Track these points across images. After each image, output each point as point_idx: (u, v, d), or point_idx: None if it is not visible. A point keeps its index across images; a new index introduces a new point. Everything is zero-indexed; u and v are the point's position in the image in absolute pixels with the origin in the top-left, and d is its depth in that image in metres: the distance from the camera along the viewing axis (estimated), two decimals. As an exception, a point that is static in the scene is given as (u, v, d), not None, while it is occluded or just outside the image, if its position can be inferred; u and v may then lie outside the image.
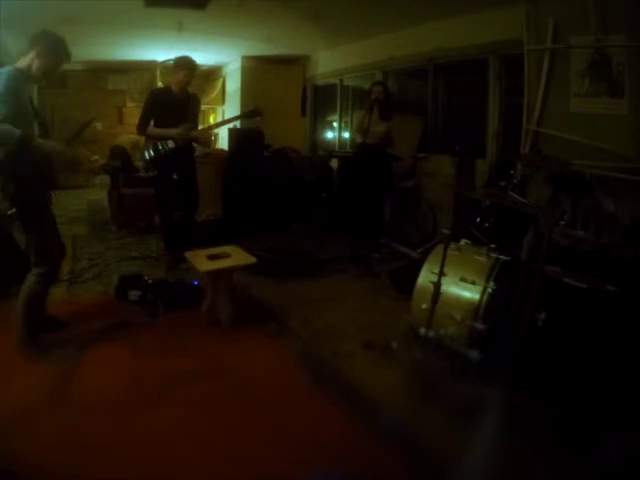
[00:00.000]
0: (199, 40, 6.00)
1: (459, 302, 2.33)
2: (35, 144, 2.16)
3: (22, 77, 2.20)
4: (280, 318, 2.97)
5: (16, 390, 2.08)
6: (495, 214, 2.57)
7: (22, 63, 2.24)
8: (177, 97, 3.88)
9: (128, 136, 6.85)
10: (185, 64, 3.85)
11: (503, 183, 3.21)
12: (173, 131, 3.82)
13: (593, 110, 3.40)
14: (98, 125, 8.07)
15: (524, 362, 1.93)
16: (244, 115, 4.01)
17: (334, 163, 5.73)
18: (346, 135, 7.10)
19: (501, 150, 4.50)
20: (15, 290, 2.42)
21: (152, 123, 3.89)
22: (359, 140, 4.21)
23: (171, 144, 3.87)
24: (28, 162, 2.13)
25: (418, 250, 4.35)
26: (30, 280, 2.35)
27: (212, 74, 8.83)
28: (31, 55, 2.23)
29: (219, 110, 8.72)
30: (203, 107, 7.63)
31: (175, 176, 3.98)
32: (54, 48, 2.28)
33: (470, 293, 2.32)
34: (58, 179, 2.44)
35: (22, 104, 2.16)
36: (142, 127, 3.94)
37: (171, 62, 6.93)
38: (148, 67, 8.00)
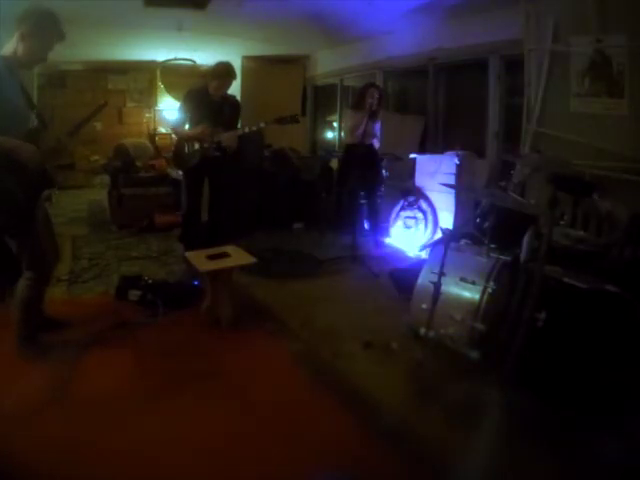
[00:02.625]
0: (199, 40, 6.01)
1: (459, 302, 2.33)
2: None
3: (4, 65, 2.01)
4: (280, 318, 2.97)
5: (15, 390, 2.08)
6: (495, 214, 2.57)
7: (7, 49, 2.04)
8: (212, 99, 3.80)
9: (133, 139, 6.86)
10: (219, 74, 3.76)
11: (503, 183, 3.21)
12: (195, 129, 3.74)
13: (593, 110, 3.41)
14: (98, 125, 8.07)
15: (524, 362, 1.93)
16: (278, 120, 3.77)
17: (334, 163, 5.73)
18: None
19: (501, 150, 4.51)
20: (14, 290, 2.39)
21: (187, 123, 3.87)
22: (353, 141, 4.24)
23: (196, 146, 3.80)
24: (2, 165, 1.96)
25: (418, 250, 4.36)
26: (22, 285, 2.30)
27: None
28: (15, 38, 2.01)
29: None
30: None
31: (205, 180, 3.98)
32: (41, 27, 2.03)
33: (470, 293, 2.32)
34: (53, 177, 2.25)
35: (5, 94, 1.98)
36: (176, 127, 3.99)
37: (172, 62, 6.94)
38: (148, 67, 8.01)
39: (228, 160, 4.08)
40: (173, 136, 4.27)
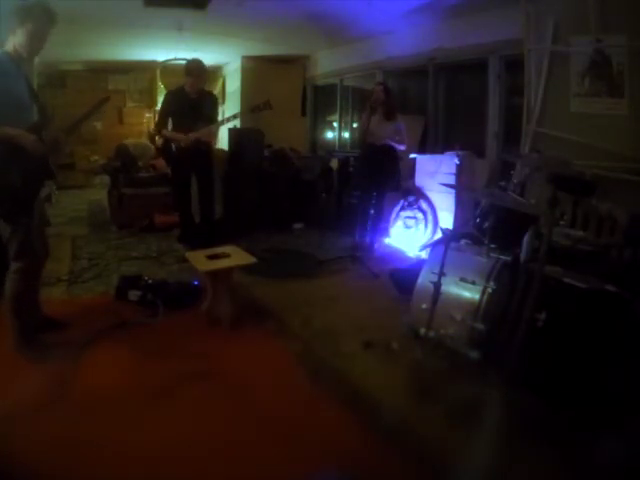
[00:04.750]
0: (199, 40, 6.01)
1: (459, 302, 2.33)
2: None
3: (10, 59, 2.13)
4: (280, 318, 2.97)
5: (15, 390, 2.08)
6: (495, 214, 2.57)
7: (9, 45, 2.16)
8: (190, 97, 4.02)
9: (134, 139, 6.86)
10: (190, 71, 3.99)
11: (503, 183, 3.21)
12: (179, 137, 4.01)
13: (593, 110, 3.41)
14: (98, 125, 8.07)
15: (524, 362, 1.93)
16: (253, 109, 3.96)
17: (334, 163, 5.74)
18: (346, 135, 7.11)
19: (501, 150, 4.51)
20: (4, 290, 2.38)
21: (170, 122, 4.13)
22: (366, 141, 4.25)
23: (182, 143, 4.02)
24: (4, 151, 2.05)
25: (418, 250, 4.36)
26: (11, 278, 2.30)
27: (212, 74, 8.83)
28: (14, 33, 2.13)
29: (219, 110, 8.74)
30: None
31: (192, 176, 4.21)
32: (35, 16, 2.14)
33: (470, 293, 2.32)
34: (51, 168, 2.28)
35: (10, 87, 2.08)
36: (159, 126, 4.20)
37: (172, 62, 6.99)
38: (148, 67, 8.01)
39: (213, 156, 4.33)
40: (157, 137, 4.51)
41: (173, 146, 4.06)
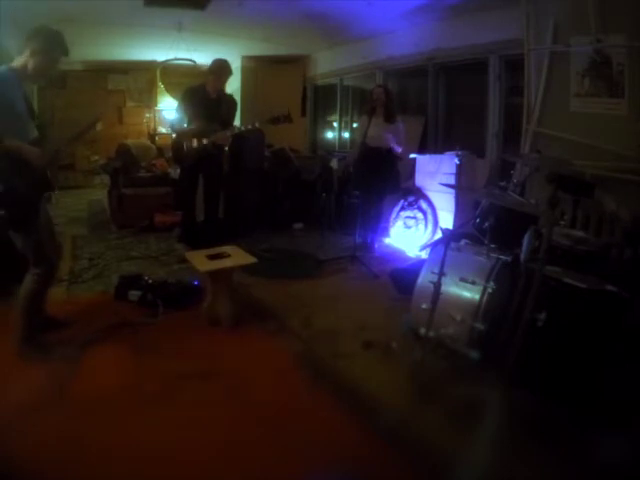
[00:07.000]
0: (199, 40, 6.01)
1: (459, 302, 2.33)
2: (3, 145, 2.06)
3: (14, 76, 2.16)
4: (280, 318, 2.97)
5: (15, 390, 2.08)
6: (495, 214, 2.57)
7: (18, 62, 2.20)
8: (209, 97, 3.97)
9: (135, 139, 6.86)
10: (213, 69, 3.95)
11: (503, 183, 3.21)
12: (193, 133, 3.94)
13: (593, 110, 3.41)
14: (98, 125, 8.07)
15: (524, 362, 1.93)
16: (272, 120, 3.84)
17: (334, 163, 5.73)
18: (346, 135, 7.11)
19: (501, 150, 4.51)
20: (15, 289, 2.41)
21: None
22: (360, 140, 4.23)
23: (195, 144, 3.95)
24: (9, 162, 2.08)
25: (418, 250, 4.36)
26: (28, 280, 2.34)
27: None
28: (26, 54, 2.18)
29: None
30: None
31: (201, 177, 4.15)
32: (49, 45, 2.21)
33: (470, 293, 2.32)
34: (52, 180, 2.31)
35: (13, 104, 2.12)
36: (175, 124, 4.15)
37: (172, 62, 6.98)
38: (148, 67, 8.01)
39: (224, 158, 4.28)
40: (173, 135, 4.40)
41: (185, 145, 3.99)
